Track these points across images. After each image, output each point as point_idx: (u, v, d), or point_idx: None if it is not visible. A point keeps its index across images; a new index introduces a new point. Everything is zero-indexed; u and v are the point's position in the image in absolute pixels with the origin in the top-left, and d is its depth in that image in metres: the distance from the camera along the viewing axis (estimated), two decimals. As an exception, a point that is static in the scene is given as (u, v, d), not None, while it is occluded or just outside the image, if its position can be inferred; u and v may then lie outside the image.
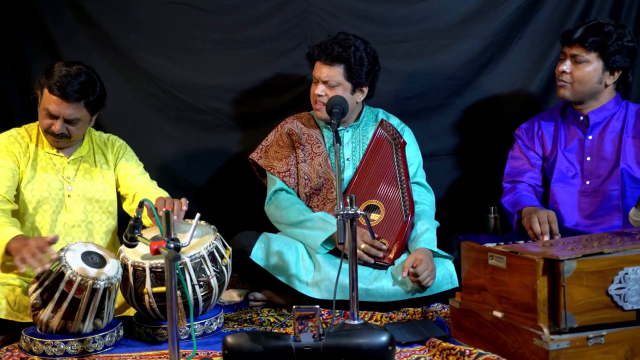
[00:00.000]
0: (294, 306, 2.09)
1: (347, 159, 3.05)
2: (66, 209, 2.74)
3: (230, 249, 2.66)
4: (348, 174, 3.03)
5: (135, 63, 3.44)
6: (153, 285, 2.44)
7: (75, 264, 2.35)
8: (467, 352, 2.14)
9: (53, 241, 2.33)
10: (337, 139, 2.57)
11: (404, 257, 2.84)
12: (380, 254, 2.83)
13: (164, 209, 2.01)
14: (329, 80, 2.93)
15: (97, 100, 2.70)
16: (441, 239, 2.95)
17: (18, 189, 2.69)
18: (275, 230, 3.04)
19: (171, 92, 3.47)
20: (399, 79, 3.45)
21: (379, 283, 2.75)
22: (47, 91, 2.63)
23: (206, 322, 2.54)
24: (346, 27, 3.34)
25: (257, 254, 2.82)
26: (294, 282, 2.78)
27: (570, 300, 2.01)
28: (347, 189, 2.98)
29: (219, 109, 3.49)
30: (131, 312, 2.67)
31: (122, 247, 2.52)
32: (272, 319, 2.71)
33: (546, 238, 2.66)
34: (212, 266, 2.52)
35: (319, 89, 2.95)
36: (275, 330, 2.60)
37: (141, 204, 2.22)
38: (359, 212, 2.36)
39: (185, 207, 2.53)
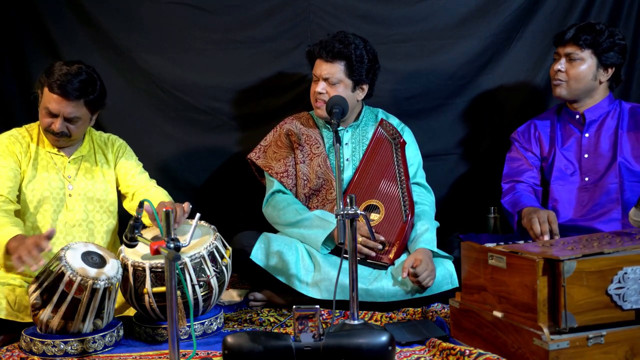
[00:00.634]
0: (294, 306, 2.09)
1: (347, 159, 3.05)
2: (67, 208, 2.75)
3: (230, 249, 2.67)
4: (347, 174, 3.03)
5: (135, 63, 3.44)
6: (153, 285, 2.44)
7: (75, 264, 2.35)
8: (467, 352, 2.14)
9: (50, 235, 2.32)
10: (337, 139, 2.57)
11: (404, 257, 2.84)
12: (373, 254, 2.83)
13: (164, 209, 2.01)
14: (330, 78, 2.93)
15: (97, 99, 2.70)
16: (441, 239, 2.95)
17: (19, 189, 2.70)
18: (275, 231, 3.04)
19: (171, 92, 3.48)
20: (399, 79, 3.45)
21: (379, 283, 2.75)
22: (47, 90, 2.63)
23: (206, 322, 2.54)
24: (346, 27, 3.34)
25: (257, 254, 2.82)
26: (293, 282, 2.78)
27: (570, 300, 2.01)
28: (346, 189, 2.98)
29: (219, 109, 3.50)
30: (131, 312, 2.67)
31: (122, 247, 2.52)
32: (272, 319, 2.71)
33: (546, 238, 2.67)
34: (212, 266, 2.52)
35: (320, 87, 2.95)
36: (275, 330, 2.60)
37: (141, 204, 2.22)
38: (359, 212, 2.36)
39: (187, 214, 2.52)
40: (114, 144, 2.91)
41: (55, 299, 2.33)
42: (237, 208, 3.47)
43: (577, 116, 2.97)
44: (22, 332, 2.41)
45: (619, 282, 2.06)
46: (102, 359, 2.34)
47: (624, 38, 2.94)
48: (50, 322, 2.35)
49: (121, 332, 2.50)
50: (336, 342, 2.05)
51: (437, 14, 3.44)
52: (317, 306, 2.08)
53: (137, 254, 2.51)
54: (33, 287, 2.38)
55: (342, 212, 2.33)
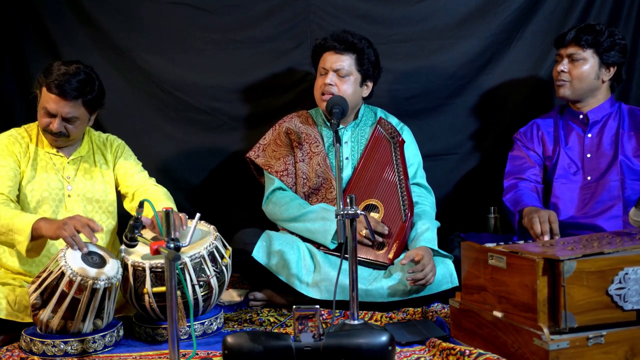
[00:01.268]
0: (294, 306, 2.09)
1: (346, 158, 3.05)
2: (66, 208, 2.74)
3: (230, 249, 2.66)
4: (347, 173, 3.03)
5: (135, 63, 3.45)
6: (153, 285, 2.44)
7: (75, 264, 2.35)
8: (467, 352, 2.14)
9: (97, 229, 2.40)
10: (337, 139, 2.57)
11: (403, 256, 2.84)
12: (381, 239, 2.84)
13: (164, 209, 2.01)
14: (341, 69, 2.94)
15: (95, 99, 2.70)
16: (442, 239, 2.95)
17: (19, 189, 2.69)
18: (276, 229, 3.04)
19: (171, 92, 3.48)
20: (399, 79, 3.45)
21: (379, 283, 2.75)
22: (45, 90, 2.63)
23: (206, 322, 2.54)
24: (346, 27, 3.33)
25: (259, 253, 2.82)
26: (294, 282, 2.78)
27: (570, 300, 2.01)
28: (346, 188, 2.98)
29: (219, 109, 3.50)
30: (131, 312, 2.67)
31: (122, 247, 2.52)
32: (272, 319, 2.71)
33: (546, 238, 2.67)
34: (212, 266, 2.52)
35: (329, 78, 2.94)
36: (275, 330, 2.60)
37: (141, 204, 2.22)
38: (359, 212, 2.36)
39: (185, 227, 2.50)
40: (113, 144, 2.91)
41: (55, 299, 2.33)
42: (237, 208, 3.47)
43: (581, 116, 3.00)
44: (22, 332, 2.41)
45: (620, 282, 2.06)
46: (102, 359, 2.34)
47: (623, 38, 2.98)
48: (50, 322, 2.35)
49: (121, 332, 2.49)
50: (336, 342, 2.04)
51: (437, 14, 3.44)
52: (317, 306, 2.08)
53: (137, 254, 2.51)
54: (33, 287, 2.38)
55: (342, 212, 2.33)
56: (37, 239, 2.46)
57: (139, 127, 3.45)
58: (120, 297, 2.56)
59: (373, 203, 2.94)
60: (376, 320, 2.64)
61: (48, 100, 2.62)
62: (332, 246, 2.86)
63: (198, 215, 2.35)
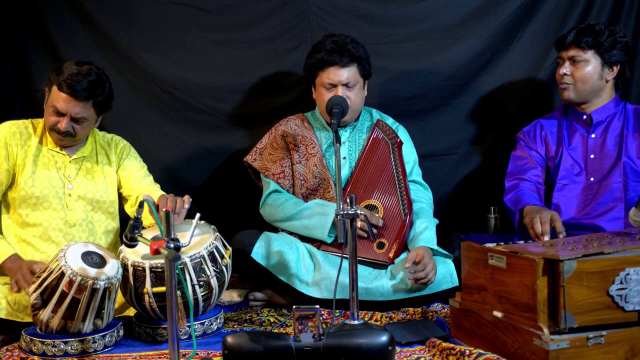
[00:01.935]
0: (294, 306, 2.09)
1: (344, 158, 3.06)
2: (67, 207, 2.74)
3: (230, 249, 2.66)
4: (344, 172, 3.03)
5: (136, 63, 3.44)
6: (153, 285, 2.44)
7: (75, 264, 2.35)
8: (467, 352, 2.14)
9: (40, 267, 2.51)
10: (337, 139, 2.57)
11: (403, 256, 2.84)
12: (375, 230, 2.85)
13: (164, 209, 2.01)
14: (350, 82, 2.95)
15: (105, 101, 2.70)
16: (442, 239, 2.95)
17: (18, 182, 2.69)
18: (275, 230, 3.04)
19: (171, 92, 3.48)
20: (399, 79, 3.45)
21: (379, 282, 2.75)
22: (55, 88, 2.63)
23: (206, 322, 2.54)
24: (346, 27, 3.35)
25: (258, 253, 2.82)
26: (294, 282, 2.78)
27: (570, 300, 2.01)
28: (344, 189, 2.98)
29: (219, 109, 3.50)
30: (131, 312, 2.67)
31: (122, 247, 2.52)
32: (272, 319, 2.71)
33: (546, 238, 2.67)
34: (212, 266, 2.52)
35: (341, 93, 2.93)
36: (275, 330, 2.60)
37: (141, 204, 2.22)
38: (359, 212, 2.36)
39: (187, 205, 2.53)
40: (118, 144, 2.90)
41: (55, 299, 2.33)
42: (237, 208, 3.47)
43: (585, 117, 2.99)
44: (22, 332, 2.41)
45: (621, 283, 2.06)
46: (102, 359, 2.34)
47: (624, 35, 2.96)
48: (50, 322, 2.35)
49: (121, 332, 2.49)
50: (336, 342, 2.04)
51: (437, 14, 3.44)
52: (317, 306, 2.08)
53: (137, 254, 2.51)
54: (33, 287, 2.38)
55: (342, 212, 2.34)
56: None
57: (139, 127, 3.45)
58: (120, 297, 2.56)
59: (372, 203, 2.95)
60: (376, 320, 2.64)
61: (58, 99, 2.62)
62: (330, 240, 2.86)
63: (198, 215, 2.35)
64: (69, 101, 2.62)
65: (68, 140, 2.72)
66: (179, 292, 2.32)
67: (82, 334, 2.37)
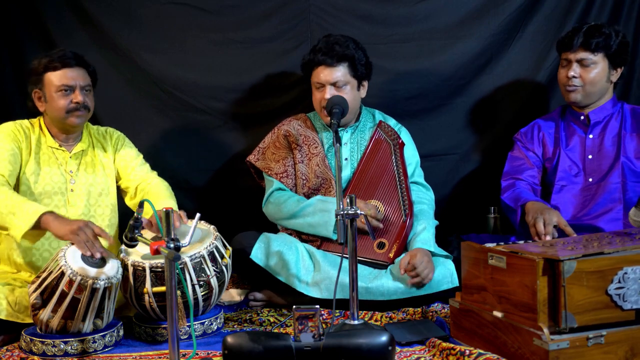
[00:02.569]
0: (294, 306, 2.09)
1: (345, 159, 3.06)
2: (69, 203, 2.75)
3: (230, 249, 2.67)
4: (346, 173, 3.03)
5: (135, 63, 3.45)
6: (153, 285, 2.44)
7: (75, 264, 2.35)
8: (467, 352, 2.14)
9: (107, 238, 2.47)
10: (338, 139, 2.57)
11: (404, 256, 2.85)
12: (381, 226, 2.85)
13: (164, 209, 2.01)
14: (338, 81, 2.93)
15: (94, 72, 2.81)
16: (442, 239, 2.95)
17: (20, 178, 2.70)
18: (275, 231, 3.04)
19: (171, 92, 3.48)
20: (399, 79, 3.45)
21: (379, 281, 2.75)
22: (50, 73, 2.69)
23: (206, 322, 2.54)
24: (346, 27, 3.35)
25: (257, 254, 2.82)
26: (294, 282, 2.78)
27: (570, 300, 2.01)
28: (346, 189, 2.98)
29: (219, 109, 3.50)
30: (131, 312, 2.67)
31: (122, 246, 2.52)
32: (272, 319, 2.71)
33: (548, 238, 2.66)
34: (212, 266, 2.52)
35: (328, 93, 2.93)
36: (275, 330, 2.60)
37: (141, 204, 2.21)
38: (359, 212, 2.36)
39: (177, 223, 2.51)
40: (112, 135, 2.92)
41: (55, 298, 2.33)
42: (237, 208, 3.47)
43: (582, 117, 2.98)
44: (22, 332, 2.41)
45: (619, 282, 2.06)
46: (102, 359, 2.34)
47: (625, 35, 2.95)
48: (50, 322, 2.35)
49: (121, 332, 2.49)
50: (336, 342, 2.05)
51: (437, 14, 3.44)
52: (317, 306, 2.08)
53: (137, 254, 2.51)
54: (33, 286, 2.38)
55: (342, 212, 2.34)
56: (38, 229, 2.47)
57: (139, 127, 3.45)
58: (120, 297, 2.56)
59: (373, 204, 2.94)
60: (376, 320, 2.64)
61: (60, 77, 2.69)
62: (335, 237, 2.86)
63: (198, 215, 2.35)
64: (70, 72, 2.70)
65: (84, 115, 2.74)
66: (179, 292, 2.32)
67: (82, 333, 2.37)
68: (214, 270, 2.52)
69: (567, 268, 2.00)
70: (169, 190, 2.82)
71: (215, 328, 2.57)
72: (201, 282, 2.48)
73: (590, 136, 2.97)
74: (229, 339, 2.05)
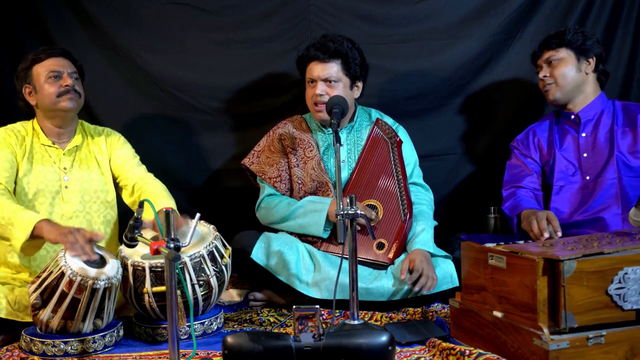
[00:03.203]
0: (294, 306, 2.09)
1: (343, 161, 3.05)
2: (63, 200, 2.75)
3: (230, 248, 2.67)
4: (344, 175, 3.02)
5: (135, 63, 3.45)
6: (153, 285, 2.44)
7: (75, 264, 2.35)
8: (467, 352, 2.14)
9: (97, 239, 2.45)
10: (337, 139, 2.56)
11: (403, 256, 2.84)
12: (373, 215, 2.87)
13: (164, 209, 2.01)
14: (329, 77, 2.93)
15: (81, 68, 2.85)
16: (442, 239, 2.95)
17: (15, 181, 2.70)
18: (274, 231, 3.04)
19: (171, 92, 3.48)
20: (399, 79, 3.45)
21: (379, 282, 2.75)
22: (37, 64, 2.75)
23: (206, 322, 2.54)
24: (346, 27, 3.35)
25: (258, 254, 2.82)
26: (294, 282, 2.78)
27: (570, 300, 2.01)
28: (344, 190, 2.97)
29: (219, 109, 3.50)
30: (131, 312, 2.67)
31: (122, 246, 2.52)
32: (272, 319, 2.71)
33: (546, 235, 2.68)
34: (212, 266, 2.52)
35: (319, 89, 2.94)
36: (275, 330, 2.60)
37: (141, 204, 2.21)
38: (359, 212, 2.36)
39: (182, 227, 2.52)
40: (109, 134, 2.93)
41: (55, 299, 2.33)
42: (237, 208, 3.47)
43: (572, 116, 3.02)
44: (22, 332, 2.41)
45: (620, 282, 2.06)
46: (102, 359, 2.34)
47: (594, 34, 3.07)
48: (50, 322, 2.35)
49: (121, 332, 2.49)
50: (336, 342, 2.04)
51: (437, 14, 3.44)
52: (317, 306, 2.08)
53: (137, 254, 2.51)
54: (33, 287, 2.38)
55: (342, 212, 2.34)
56: (35, 239, 2.46)
57: (139, 127, 3.45)
58: (120, 297, 2.56)
59: (372, 203, 2.94)
60: (376, 320, 2.64)
61: (47, 66, 2.74)
62: (326, 235, 2.87)
63: (198, 215, 2.35)
64: (55, 60, 2.76)
65: (75, 99, 2.76)
66: (178, 292, 2.32)
67: (82, 334, 2.37)
68: (214, 270, 2.52)
69: (567, 268, 2.00)
70: (167, 191, 2.83)
71: (215, 328, 2.57)
72: (201, 282, 2.48)
73: (583, 134, 3.00)
74: (229, 339, 2.05)
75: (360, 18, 3.43)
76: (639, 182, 2.87)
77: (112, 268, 2.42)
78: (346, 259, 2.45)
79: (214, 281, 2.51)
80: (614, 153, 2.91)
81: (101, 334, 2.39)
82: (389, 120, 3.13)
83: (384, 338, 2.04)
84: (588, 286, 2.03)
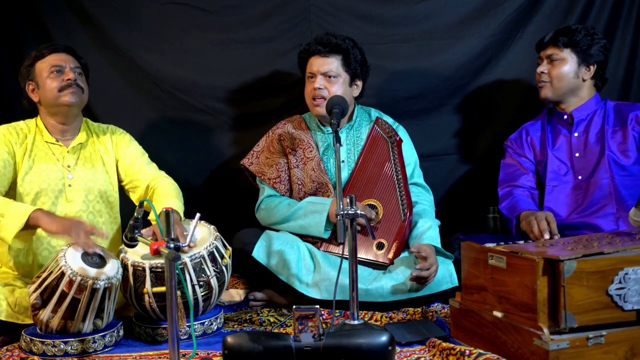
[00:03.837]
0: (294, 306, 2.09)
1: (342, 161, 3.05)
2: (66, 199, 2.73)
3: (230, 249, 2.66)
4: (343, 175, 3.01)
5: (135, 63, 3.45)
6: (153, 285, 2.44)
7: (75, 264, 2.35)
8: (467, 352, 2.14)
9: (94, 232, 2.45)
10: (337, 139, 2.56)
11: (403, 256, 2.84)
12: (373, 215, 2.86)
13: (164, 209, 2.01)
14: (329, 71, 2.93)
15: (86, 65, 2.84)
16: (442, 239, 2.94)
17: (15, 182, 2.68)
18: (275, 230, 3.04)
19: (171, 92, 3.48)
20: (399, 79, 3.45)
21: (378, 283, 2.75)
22: (40, 61, 2.73)
23: (206, 322, 2.54)
24: (346, 27, 3.35)
25: (259, 253, 2.82)
26: (294, 282, 2.78)
27: (570, 300, 2.01)
28: (344, 189, 2.97)
29: (219, 109, 3.50)
30: (131, 312, 2.66)
31: (122, 247, 2.52)
32: (272, 319, 2.71)
33: (546, 236, 2.68)
34: (212, 266, 2.52)
35: (318, 83, 2.94)
36: (275, 330, 2.60)
37: (141, 204, 2.21)
38: (359, 212, 2.36)
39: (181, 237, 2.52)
40: (115, 132, 2.91)
41: (55, 299, 2.33)
42: (237, 208, 3.47)
43: (565, 116, 3.02)
44: (22, 332, 2.41)
45: (620, 282, 2.06)
46: (102, 359, 2.34)
47: (603, 37, 3.00)
48: (50, 322, 2.35)
49: (121, 332, 2.49)
50: (336, 342, 2.04)
51: (437, 14, 3.44)
52: (317, 306, 2.08)
53: (137, 254, 2.51)
54: (33, 287, 2.38)
55: (342, 212, 2.34)
56: (29, 229, 2.46)
57: (139, 127, 3.45)
58: (120, 297, 2.56)
59: (372, 203, 2.94)
60: (376, 320, 2.64)
61: (50, 61, 2.72)
62: (327, 235, 2.87)
63: (198, 215, 2.35)
64: (58, 55, 2.74)
65: (78, 94, 2.72)
66: (178, 292, 2.32)
67: (82, 334, 2.37)
68: (214, 271, 2.52)
69: (567, 268, 2.00)
70: (177, 190, 2.81)
71: (215, 328, 2.57)
72: (201, 283, 2.48)
73: (575, 134, 3.01)
74: (229, 339, 2.05)
75: (360, 18, 3.43)
76: (631, 180, 2.88)
77: (112, 268, 2.42)
78: (346, 259, 2.45)
79: (214, 282, 2.51)
80: (605, 153, 2.91)
81: (101, 334, 2.39)
82: (388, 119, 3.13)
83: (384, 338, 2.04)
84: (588, 286, 2.03)
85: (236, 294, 3.05)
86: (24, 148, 2.72)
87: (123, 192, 2.93)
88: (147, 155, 2.93)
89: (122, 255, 2.51)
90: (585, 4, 3.38)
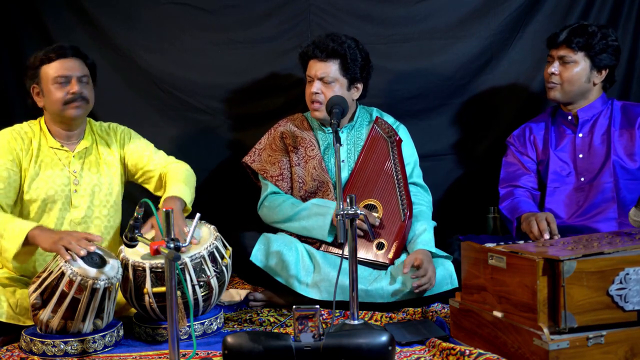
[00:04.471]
0: (294, 306, 2.09)
1: (342, 161, 3.04)
2: (72, 205, 2.72)
3: (230, 249, 2.66)
4: (343, 175, 3.01)
5: (135, 63, 3.45)
6: (153, 285, 2.44)
7: (75, 264, 2.35)
8: (467, 352, 2.14)
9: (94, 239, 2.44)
10: (338, 139, 2.55)
11: (403, 257, 2.84)
12: (377, 222, 2.85)
13: (164, 209, 2.01)
14: (325, 77, 2.92)
15: (92, 65, 2.77)
16: (441, 239, 2.95)
17: (21, 189, 2.66)
18: (274, 231, 3.04)
19: (171, 92, 3.48)
20: (399, 79, 3.45)
21: (379, 284, 2.75)
22: (46, 66, 2.66)
23: (206, 322, 2.54)
24: (346, 27, 3.35)
25: (257, 255, 2.82)
26: (293, 283, 2.77)
27: (570, 300, 2.01)
28: (344, 189, 2.96)
29: (219, 109, 3.50)
30: (131, 312, 2.66)
31: (122, 247, 2.52)
32: (272, 319, 2.71)
33: (546, 236, 2.67)
34: (212, 266, 2.52)
35: (315, 87, 2.93)
36: (275, 330, 2.60)
37: (141, 204, 2.21)
38: (359, 212, 2.36)
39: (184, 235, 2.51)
40: (117, 130, 2.88)
41: (55, 299, 2.33)
42: (237, 208, 3.47)
43: (570, 117, 2.98)
44: (22, 332, 2.41)
45: (621, 282, 2.06)
46: (102, 359, 2.34)
47: (617, 39, 2.92)
48: (50, 322, 2.35)
49: (121, 332, 2.49)
50: (336, 342, 2.04)
51: (437, 14, 3.44)
52: (317, 306, 2.08)
53: (137, 254, 2.50)
54: (33, 287, 2.38)
55: (342, 212, 2.33)
56: (28, 245, 2.47)
57: (138, 127, 3.41)
58: (120, 297, 2.56)
59: (372, 203, 2.94)
60: (376, 320, 2.64)
61: (55, 69, 2.65)
62: (330, 239, 2.86)
63: (198, 215, 2.35)
64: (65, 62, 2.67)
65: (83, 107, 2.68)
66: (179, 292, 2.31)
67: (82, 334, 2.37)
68: (214, 271, 2.52)
69: (567, 268, 2.00)
70: (185, 174, 2.78)
71: (215, 328, 2.57)
72: (201, 283, 2.48)
73: (580, 135, 2.96)
74: (229, 339, 2.05)
75: (360, 18, 3.43)
76: (636, 184, 2.83)
77: (112, 268, 2.42)
78: (346, 259, 2.45)
79: (214, 282, 2.51)
80: (610, 156, 2.87)
81: (101, 334, 2.39)
82: (389, 119, 3.13)
83: (384, 338, 2.04)
84: (588, 286, 2.03)
85: (236, 294, 3.05)
86: (30, 154, 2.68)
87: (122, 193, 2.92)
88: (152, 145, 2.91)
89: (122, 255, 2.51)
90: (586, 3, 3.38)
